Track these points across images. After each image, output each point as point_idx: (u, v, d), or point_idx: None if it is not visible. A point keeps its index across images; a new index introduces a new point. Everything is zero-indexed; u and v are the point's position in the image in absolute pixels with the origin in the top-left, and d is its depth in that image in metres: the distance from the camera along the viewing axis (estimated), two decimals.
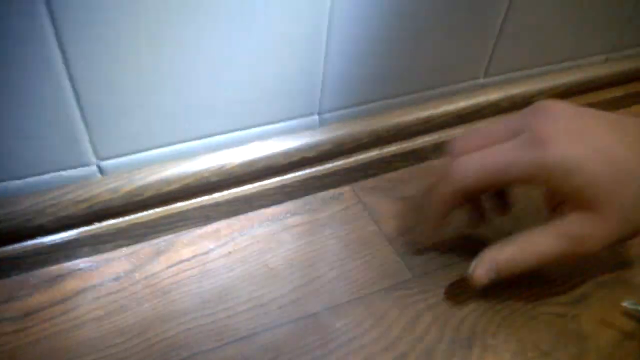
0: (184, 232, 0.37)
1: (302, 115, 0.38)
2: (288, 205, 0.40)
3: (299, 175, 0.39)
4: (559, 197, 0.32)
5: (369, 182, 0.42)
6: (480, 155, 0.31)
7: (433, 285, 0.35)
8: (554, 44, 0.45)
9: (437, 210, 0.34)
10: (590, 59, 0.49)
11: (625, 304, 0.32)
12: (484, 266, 0.31)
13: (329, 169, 0.40)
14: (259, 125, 0.37)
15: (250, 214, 0.39)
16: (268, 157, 0.37)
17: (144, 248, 0.36)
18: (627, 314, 0.33)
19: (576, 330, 0.33)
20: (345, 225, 0.39)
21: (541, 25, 0.43)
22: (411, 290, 0.35)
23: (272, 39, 0.33)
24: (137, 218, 0.35)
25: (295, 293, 0.34)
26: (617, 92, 0.50)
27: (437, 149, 0.44)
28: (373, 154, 0.42)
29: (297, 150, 0.38)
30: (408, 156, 0.43)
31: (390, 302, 0.34)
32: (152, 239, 0.36)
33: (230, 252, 0.36)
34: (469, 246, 0.37)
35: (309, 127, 0.39)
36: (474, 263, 0.32)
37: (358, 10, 0.34)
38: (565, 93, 0.48)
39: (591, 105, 0.40)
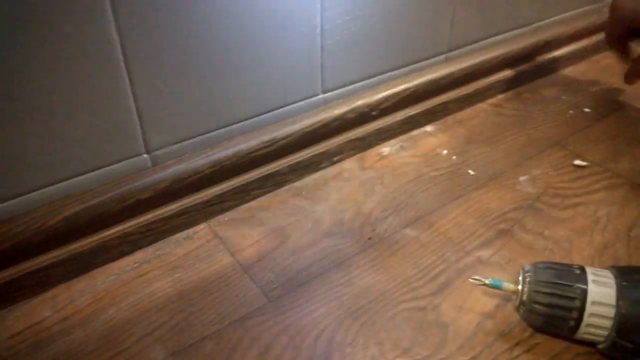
0: (16, 304, 0.34)
1: (128, 157, 0.36)
2: (137, 255, 0.37)
3: (143, 220, 0.37)
4: None
5: (226, 216, 0.40)
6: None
7: (290, 305, 0.33)
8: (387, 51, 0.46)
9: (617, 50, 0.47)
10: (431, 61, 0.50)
11: (471, 279, 0.31)
12: None
13: (176, 208, 0.38)
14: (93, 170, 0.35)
15: (94, 272, 0.36)
16: (99, 204, 0.35)
17: None
18: (487, 293, 0.33)
19: (436, 320, 0.31)
20: (198, 263, 0.36)
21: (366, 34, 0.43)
22: (266, 315, 0.32)
23: None
24: None
25: (139, 345, 0.31)
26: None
27: (294, 170, 0.43)
28: (225, 185, 0.40)
29: (130, 192, 0.36)
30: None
31: (243, 332, 0.31)
32: None
33: (67, 317, 0.33)
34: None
35: (139, 168, 0.37)
36: None
37: None
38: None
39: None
